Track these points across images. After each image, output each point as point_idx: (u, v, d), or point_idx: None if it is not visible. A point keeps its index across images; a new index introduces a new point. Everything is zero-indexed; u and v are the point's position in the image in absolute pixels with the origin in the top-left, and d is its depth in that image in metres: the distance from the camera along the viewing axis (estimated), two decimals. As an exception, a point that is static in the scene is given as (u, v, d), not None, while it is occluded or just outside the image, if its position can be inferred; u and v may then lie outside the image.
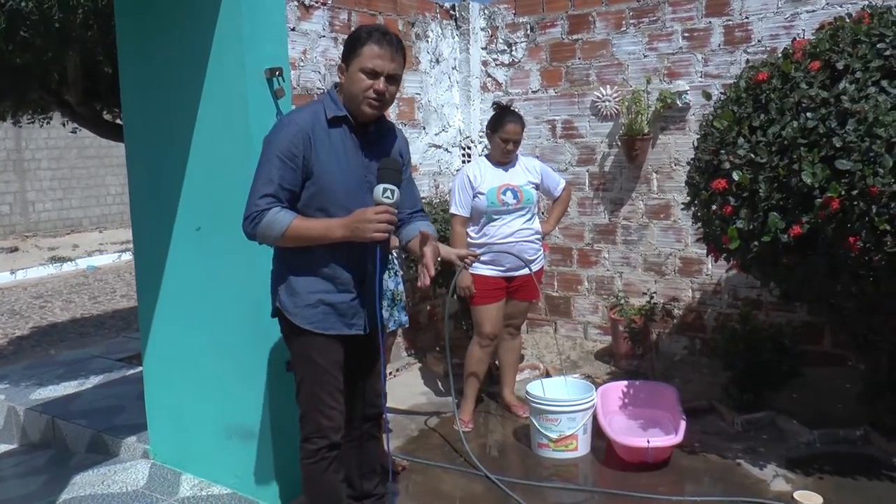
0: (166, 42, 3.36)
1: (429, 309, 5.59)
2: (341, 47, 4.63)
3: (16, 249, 13.02)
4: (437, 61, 5.52)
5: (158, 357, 3.73)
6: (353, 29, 4.77)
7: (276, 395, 3.25)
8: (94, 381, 5.12)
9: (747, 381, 3.98)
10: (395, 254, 3.86)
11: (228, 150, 3.18)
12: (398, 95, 5.10)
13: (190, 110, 3.28)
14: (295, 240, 2.53)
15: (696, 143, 3.47)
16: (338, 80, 2.68)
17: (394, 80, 2.61)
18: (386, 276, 3.67)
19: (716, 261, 3.48)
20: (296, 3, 4.37)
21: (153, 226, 3.59)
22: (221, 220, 3.28)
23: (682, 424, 3.68)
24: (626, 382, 4.21)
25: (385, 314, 3.70)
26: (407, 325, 3.98)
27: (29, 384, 5.09)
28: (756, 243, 2.99)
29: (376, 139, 2.70)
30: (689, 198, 3.52)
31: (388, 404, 4.55)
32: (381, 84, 2.54)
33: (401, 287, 3.92)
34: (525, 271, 4.10)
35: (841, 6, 4.20)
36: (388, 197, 2.49)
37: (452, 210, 4.19)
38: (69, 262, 11.76)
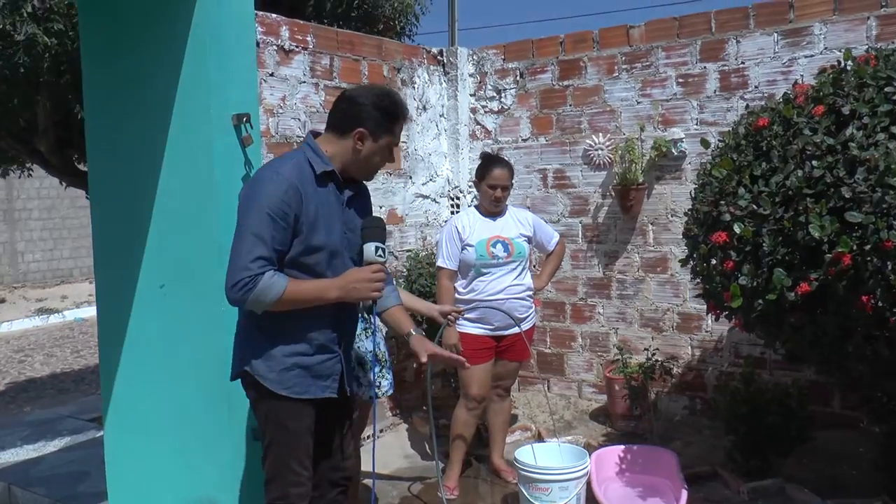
0: (132, 88, 3.20)
1: (415, 366, 5.33)
2: (322, 94, 4.56)
3: (3, 301, 12.77)
4: (424, 108, 5.36)
5: (120, 423, 3.48)
6: (335, 77, 4.68)
7: (240, 465, 3.00)
8: (61, 443, 4.86)
9: (752, 446, 3.71)
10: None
11: (193, 202, 2.99)
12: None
13: (155, 160, 3.10)
14: (287, 304, 2.36)
15: (693, 194, 3.26)
16: (315, 129, 2.60)
17: None
18: (363, 336, 3.43)
19: (716, 319, 3.24)
20: (275, 47, 4.21)
21: (116, 282, 3.37)
22: (186, 276, 3.07)
23: (684, 494, 3.42)
24: (622, 447, 3.94)
25: (384, 381, 3.49)
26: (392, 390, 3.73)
27: (-10, 447, 4.83)
28: (760, 301, 2.76)
29: (354, 196, 2.60)
30: (687, 251, 3.30)
31: (369, 468, 4.33)
32: (393, 157, 2.58)
33: (383, 347, 3.65)
34: (515, 330, 3.87)
35: (840, 50, 4.04)
36: (380, 256, 2.46)
37: (439, 262, 3.98)
38: (56, 314, 11.50)
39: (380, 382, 3.39)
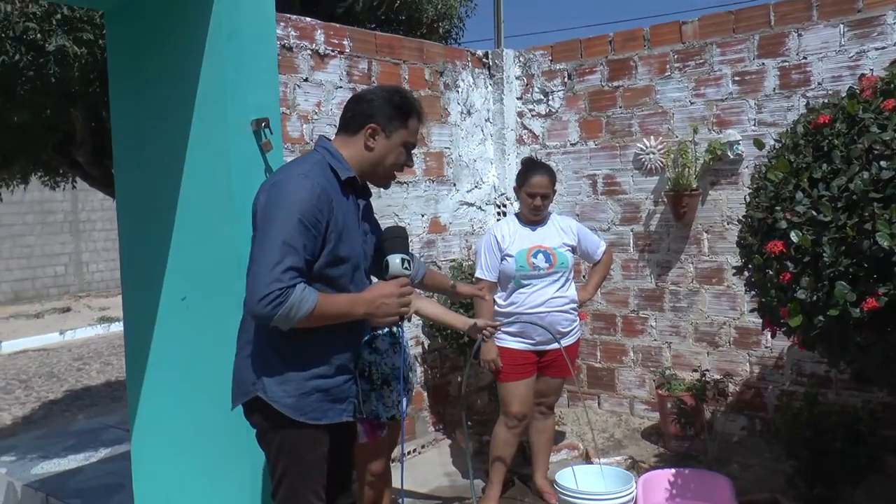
0: (154, 97, 3.11)
1: (459, 380, 5.15)
2: (361, 100, 4.43)
3: (68, 310, 13.11)
4: (469, 113, 5.19)
5: (145, 437, 3.39)
6: (373, 81, 4.55)
7: (259, 486, 2.87)
8: (102, 454, 4.85)
9: (816, 473, 3.40)
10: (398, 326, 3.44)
11: (212, 212, 2.87)
12: (426, 150, 4.87)
13: (176, 169, 3.00)
14: (315, 321, 2.15)
15: (747, 199, 3.00)
16: (324, 135, 2.43)
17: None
18: (390, 352, 3.26)
19: (773, 336, 2.97)
20: (309, 51, 4.10)
21: (141, 294, 3.28)
22: (206, 288, 2.96)
23: (739, 526, 3.15)
24: (673, 470, 3.68)
25: (405, 401, 3.30)
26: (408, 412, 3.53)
27: (34, 457, 4.85)
28: (821, 318, 2.49)
29: (367, 203, 2.45)
30: (741, 261, 3.03)
31: (406, 486, 4.16)
32: (411, 159, 2.42)
33: (411, 364, 3.46)
34: (557, 345, 3.65)
35: (915, 42, 3.72)
36: (406, 268, 2.29)
37: (478, 274, 3.80)
38: (116, 323, 11.71)
39: (399, 400, 3.21)
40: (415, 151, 4.78)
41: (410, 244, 2.64)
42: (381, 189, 2.56)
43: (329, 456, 2.40)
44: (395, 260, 2.27)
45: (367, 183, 2.44)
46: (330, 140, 2.38)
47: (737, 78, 4.32)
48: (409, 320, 4.01)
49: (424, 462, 4.58)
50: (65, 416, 6.99)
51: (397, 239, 2.33)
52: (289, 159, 3.94)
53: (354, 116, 2.33)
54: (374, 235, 2.47)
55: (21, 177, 4.74)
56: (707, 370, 4.40)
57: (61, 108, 3.83)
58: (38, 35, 3.39)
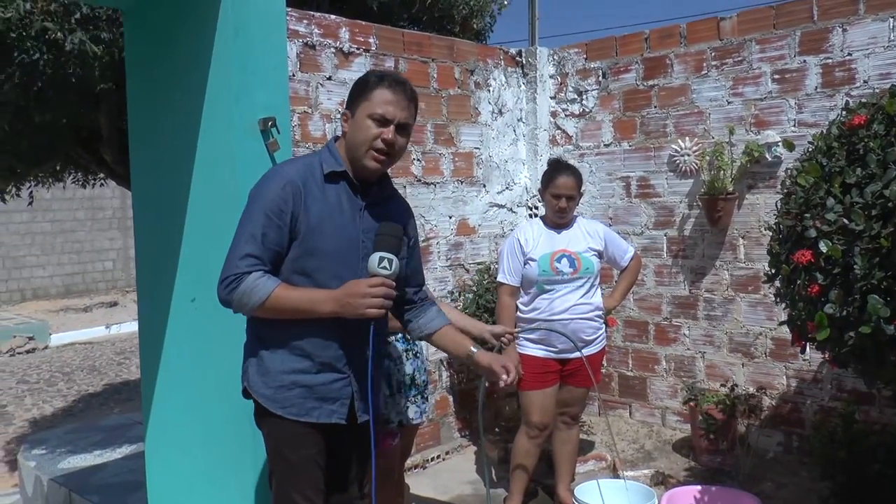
0: (168, 97, 3.06)
1: (486, 386, 5.03)
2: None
3: (115, 304, 13.37)
4: (501, 113, 5.07)
5: (158, 439, 3.36)
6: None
7: (265, 489, 2.80)
8: (126, 450, 4.86)
9: (852, 496, 3.21)
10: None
11: (219, 212, 2.81)
12: (454, 150, 4.77)
13: (186, 171, 2.95)
14: (275, 311, 2.15)
15: (777, 205, 2.82)
16: (341, 131, 2.35)
17: (405, 130, 2.28)
18: (404, 358, 3.18)
19: (802, 351, 2.79)
20: (332, 49, 4.04)
21: (155, 296, 3.25)
22: (214, 290, 2.90)
23: (767, 550, 2.98)
24: (699, 488, 3.51)
25: (412, 407, 3.20)
26: (431, 417, 3.42)
27: (63, 451, 4.89)
28: (851, 334, 2.32)
29: (379, 200, 2.34)
30: (771, 271, 2.86)
31: (427, 493, 4.07)
32: (390, 133, 2.21)
33: (422, 372, 3.35)
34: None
35: (969, 39, 3.48)
36: (384, 267, 2.12)
37: (500, 278, 3.69)
38: (160, 317, 11.89)
39: (407, 407, 3.11)
40: (443, 151, 4.75)
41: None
42: (404, 188, 2.46)
43: (336, 463, 2.34)
44: (374, 257, 2.13)
45: (381, 181, 2.36)
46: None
47: (776, 76, 4.11)
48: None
49: (448, 469, 4.50)
50: (101, 410, 7.10)
51: (384, 237, 2.18)
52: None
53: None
54: None
55: (53, 175, 4.78)
56: (737, 384, 4.20)
57: (85, 107, 3.83)
58: (59, 34, 3.38)
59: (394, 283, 2.16)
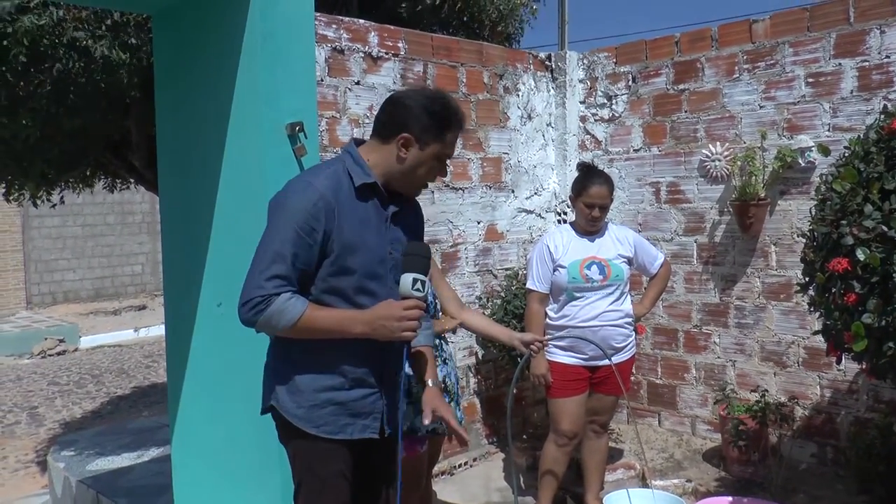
0: (196, 103, 3.09)
1: (515, 392, 5.00)
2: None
3: (144, 308, 13.52)
4: (530, 117, 5.04)
5: (185, 445, 3.39)
6: (429, 84, 4.45)
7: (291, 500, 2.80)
8: (154, 453, 4.90)
9: (892, 511, 3.13)
10: (443, 338, 3.31)
11: (246, 218, 2.81)
12: (483, 155, 4.75)
13: (213, 176, 2.97)
14: (304, 333, 2.08)
15: (811, 212, 2.76)
16: (357, 138, 2.35)
17: None
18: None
19: (838, 362, 2.72)
20: (361, 54, 4.03)
21: (182, 300, 3.27)
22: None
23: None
24: (730, 499, 3.44)
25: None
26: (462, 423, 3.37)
27: (91, 453, 4.94)
28: (891, 345, 2.25)
29: (401, 210, 2.28)
30: (804, 279, 2.79)
31: (457, 501, 4.04)
32: (444, 171, 2.26)
33: (453, 377, 3.32)
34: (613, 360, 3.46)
35: None
36: (418, 290, 2.11)
37: (529, 285, 3.65)
38: (189, 321, 12.01)
39: None
40: (472, 157, 4.72)
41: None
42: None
43: (353, 473, 2.30)
44: (406, 279, 2.11)
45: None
46: (362, 142, 2.28)
47: (810, 79, 4.03)
48: (455, 332, 3.89)
49: (475, 476, 4.47)
50: (130, 413, 7.17)
51: (415, 257, 2.15)
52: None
53: (388, 122, 2.20)
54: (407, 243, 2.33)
55: (83, 181, 4.83)
56: (766, 391, 4.12)
57: (114, 113, 3.86)
58: (89, 41, 3.41)
59: (425, 305, 2.15)
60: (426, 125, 2.15)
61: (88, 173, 4.76)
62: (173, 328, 3.34)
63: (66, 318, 12.13)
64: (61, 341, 10.47)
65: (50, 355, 10.16)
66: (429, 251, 2.22)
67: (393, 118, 2.19)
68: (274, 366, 2.25)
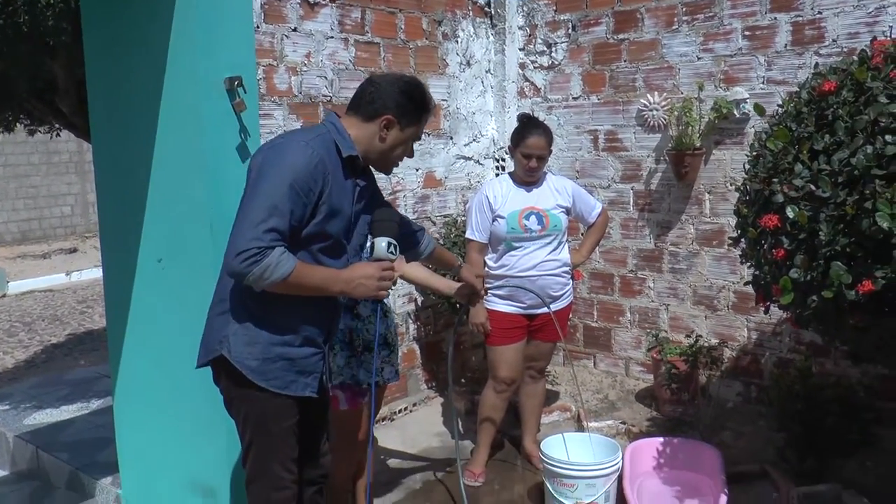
0: (129, 51, 2.96)
1: (454, 337, 5.09)
2: (353, 49, 4.26)
3: (75, 251, 13.10)
4: (469, 64, 5.00)
5: (127, 394, 3.35)
6: (367, 31, 4.36)
7: (236, 453, 2.82)
8: (94, 405, 4.83)
9: (808, 446, 3.34)
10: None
11: (184, 174, 2.76)
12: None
13: (149, 130, 2.88)
14: (290, 288, 2.14)
15: (745, 167, 2.85)
16: (336, 114, 2.39)
17: None
18: (373, 318, 3.18)
19: (766, 312, 2.86)
20: (298, 1, 3.92)
21: (120, 252, 3.20)
22: (181, 251, 2.87)
23: (723, 498, 3.11)
24: (661, 440, 3.63)
25: (387, 368, 3.21)
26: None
27: (29, 406, 4.84)
28: (814, 298, 2.38)
29: (367, 184, 2.43)
30: (737, 232, 2.90)
31: (394, 446, 4.14)
32: (412, 151, 2.44)
33: (393, 332, 3.36)
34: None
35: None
36: (392, 252, 2.29)
37: (468, 234, 3.70)
38: (122, 264, 11.71)
39: (383, 368, 3.13)
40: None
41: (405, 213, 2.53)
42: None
43: (298, 428, 2.37)
44: (381, 243, 2.28)
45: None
46: (339, 116, 2.36)
47: (747, 33, 4.10)
48: (395, 284, 3.93)
49: (415, 421, 4.56)
50: (66, 361, 7.01)
51: (387, 222, 2.35)
52: (275, 113, 3.87)
53: (371, 103, 2.32)
54: (370, 214, 2.44)
55: (4, 125, 4.62)
56: (701, 335, 4.31)
57: (39, 57, 3.68)
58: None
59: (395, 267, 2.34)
60: (407, 108, 2.32)
61: (10, 118, 4.54)
62: (112, 280, 3.27)
63: (-9, 262, 11.70)
64: (-13, 287, 10.12)
65: (-25, 302, 9.82)
66: (397, 216, 2.41)
67: (375, 99, 2.32)
68: (231, 315, 2.25)
